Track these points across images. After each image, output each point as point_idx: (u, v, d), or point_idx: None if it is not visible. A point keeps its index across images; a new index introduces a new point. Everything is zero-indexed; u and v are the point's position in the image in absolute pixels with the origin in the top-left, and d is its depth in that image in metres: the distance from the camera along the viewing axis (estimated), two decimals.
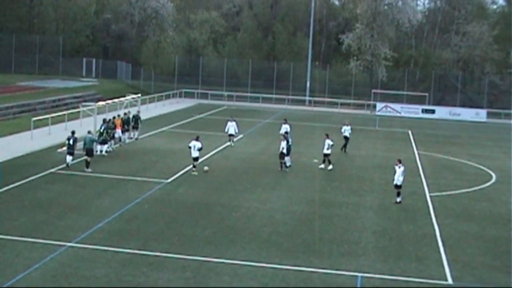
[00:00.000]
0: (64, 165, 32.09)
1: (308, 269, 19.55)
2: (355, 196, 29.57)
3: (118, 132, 38.51)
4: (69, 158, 32.18)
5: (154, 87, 76.11)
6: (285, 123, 40.89)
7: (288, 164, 34.66)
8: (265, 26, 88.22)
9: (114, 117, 38.64)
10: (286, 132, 37.96)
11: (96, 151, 35.02)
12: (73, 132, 33.04)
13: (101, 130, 35.77)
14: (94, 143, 33.63)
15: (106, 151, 35.96)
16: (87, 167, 31.35)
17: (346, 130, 41.11)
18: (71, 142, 32.19)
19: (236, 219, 24.57)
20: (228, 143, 41.96)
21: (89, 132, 32.99)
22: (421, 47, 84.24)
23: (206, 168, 32.77)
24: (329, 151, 35.12)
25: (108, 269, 18.60)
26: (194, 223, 23.68)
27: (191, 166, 32.42)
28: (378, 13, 76.80)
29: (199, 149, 32.27)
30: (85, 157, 31.74)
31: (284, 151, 33.68)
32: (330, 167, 35.11)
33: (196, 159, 32.27)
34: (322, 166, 35.39)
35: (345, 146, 40.88)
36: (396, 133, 54.13)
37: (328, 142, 35.05)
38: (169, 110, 61.71)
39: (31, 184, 28.41)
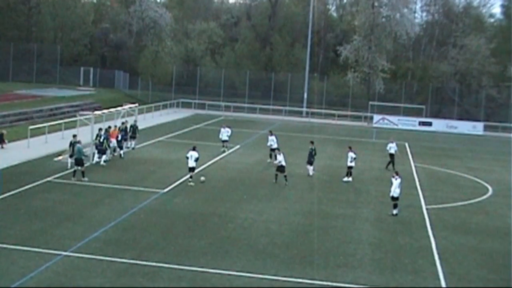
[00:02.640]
0: (66, 172, 32.45)
1: (304, 280, 19.51)
2: (352, 208, 29.55)
3: (113, 142, 38.46)
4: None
5: (152, 97, 76.11)
6: (271, 135, 40.73)
7: (311, 173, 36.10)
8: (263, 37, 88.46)
9: (109, 127, 38.58)
10: (273, 147, 38.90)
11: (93, 161, 34.98)
12: (74, 136, 33.83)
13: (101, 139, 35.71)
14: (91, 152, 33.48)
15: (105, 161, 35.90)
16: (75, 175, 31.06)
17: (392, 148, 39.96)
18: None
19: (232, 230, 24.53)
20: (222, 149, 42.57)
21: (79, 142, 32.69)
22: (419, 60, 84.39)
23: (202, 178, 32.75)
24: (352, 164, 35.42)
25: (104, 279, 18.54)
26: (190, 234, 23.63)
27: (188, 176, 32.38)
28: (376, 25, 76.99)
29: (196, 159, 32.23)
30: (75, 167, 31.56)
31: (283, 163, 33.61)
32: (350, 179, 35.43)
33: (192, 169, 32.21)
34: (346, 179, 35.54)
35: (389, 163, 39.75)
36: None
37: (351, 155, 35.33)
38: (166, 120, 61.75)
39: (27, 193, 28.35)
